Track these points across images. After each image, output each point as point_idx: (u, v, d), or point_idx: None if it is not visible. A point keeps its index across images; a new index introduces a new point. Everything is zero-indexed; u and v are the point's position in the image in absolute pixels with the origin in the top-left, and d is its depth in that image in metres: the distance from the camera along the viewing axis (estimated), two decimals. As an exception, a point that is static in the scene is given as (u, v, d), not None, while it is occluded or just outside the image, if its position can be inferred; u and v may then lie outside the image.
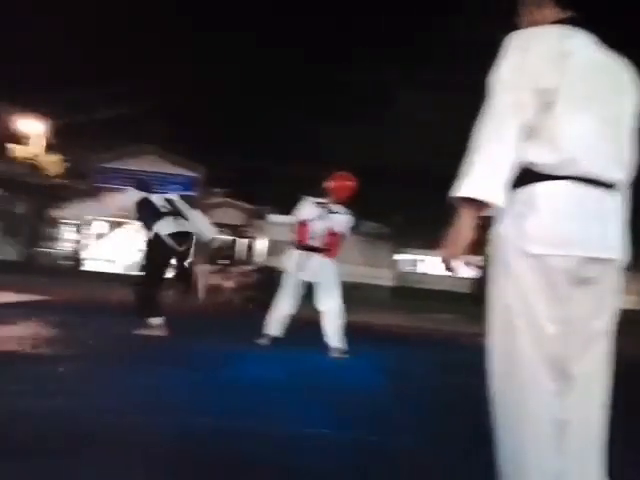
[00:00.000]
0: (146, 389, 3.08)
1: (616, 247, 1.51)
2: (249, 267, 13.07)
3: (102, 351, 4.19)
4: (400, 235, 21.68)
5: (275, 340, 4.99)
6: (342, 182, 5.02)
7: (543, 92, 1.44)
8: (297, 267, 4.90)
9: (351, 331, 5.00)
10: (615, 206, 1.51)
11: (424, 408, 3.26)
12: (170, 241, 5.06)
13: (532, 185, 1.49)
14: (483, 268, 17.92)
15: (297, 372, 4.06)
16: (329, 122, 20.59)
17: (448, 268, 1.53)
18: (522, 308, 1.48)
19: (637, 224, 1.94)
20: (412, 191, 17.05)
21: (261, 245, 22.98)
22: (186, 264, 5.72)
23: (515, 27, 1.61)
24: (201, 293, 10.56)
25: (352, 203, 5.14)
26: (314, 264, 4.90)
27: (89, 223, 20.75)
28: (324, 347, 4.79)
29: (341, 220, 5.02)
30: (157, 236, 5.09)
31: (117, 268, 19.71)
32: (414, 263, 24.53)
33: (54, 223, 23.19)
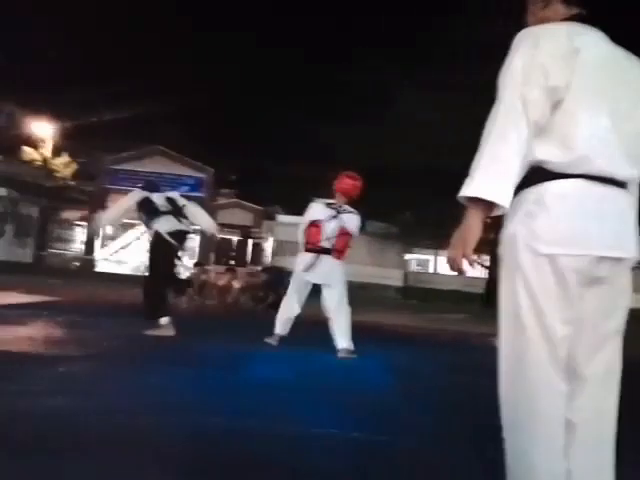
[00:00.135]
0: (157, 389, 3.10)
1: (628, 246, 1.49)
2: (257, 267, 13.09)
3: (113, 352, 4.22)
4: (409, 235, 21.64)
5: (284, 340, 5.00)
6: (349, 181, 5.02)
7: (553, 90, 1.43)
8: (308, 269, 4.89)
9: (360, 331, 5.00)
10: (627, 204, 1.50)
11: (432, 408, 3.26)
12: (170, 239, 5.12)
13: (543, 184, 1.47)
14: (491, 268, 17.92)
15: (306, 372, 4.07)
16: (332, 122, 20.61)
17: (455, 268, 1.52)
18: (532, 308, 1.46)
19: None
20: (420, 190, 17.03)
21: (268, 246, 23.02)
22: (179, 263, 5.78)
23: (515, 26, 1.60)
24: (209, 294, 10.60)
25: (360, 203, 5.15)
26: (326, 266, 4.89)
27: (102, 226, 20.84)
28: (332, 347, 4.79)
29: (352, 220, 5.02)
30: (158, 234, 5.16)
31: (128, 269, 19.82)
32: (423, 263, 24.47)
33: (64, 224, 23.37)
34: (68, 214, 23.41)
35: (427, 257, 24.13)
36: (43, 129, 25.98)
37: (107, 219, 5.85)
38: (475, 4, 14.84)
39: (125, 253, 22.49)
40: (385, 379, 4.15)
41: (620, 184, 1.48)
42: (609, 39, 1.56)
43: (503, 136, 1.45)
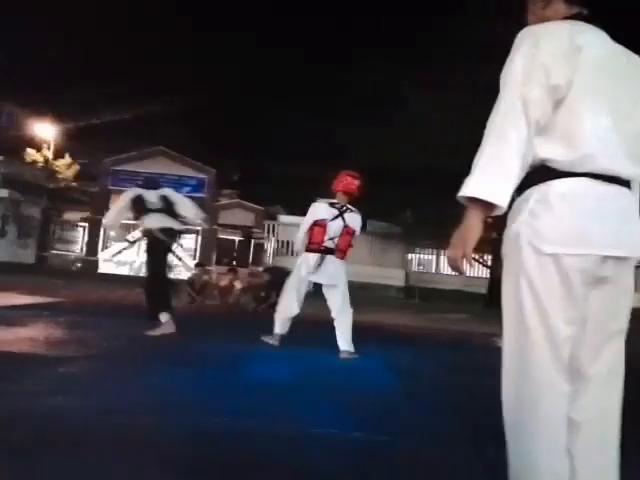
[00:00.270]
0: (158, 389, 3.11)
1: (632, 245, 1.48)
2: (259, 268, 13.09)
3: (114, 352, 4.22)
4: (411, 235, 21.63)
5: (285, 340, 5.00)
6: (351, 180, 5.02)
7: (554, 89, 1.43)
8: (313, 270, 4.88)
9: (361, 331, 5.00)
10: (631, 202, 1.49)
11: (433, 408, 3.25)
12: (161, 235, 5.13)
13: (546, 183, 1.47)
14: (493, 268, 17.90)
15: (307, 372, 4.07)
16: (333, 122, 20.64)
17: (455, 267, 1.52)
18: (536, 309, 1.46)
19: None
20: (421, 190, 17.03)
21: (270, 246, 23.01)
22: (177, 263, 5.79)
23: (516, 26, 1.60)
24: (211, 294, 10.60)
25: (361, 203, 5.15)
26: (330, 267, 4.87)
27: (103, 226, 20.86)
28: (333, 347, 4.79)
29: (355, 219, 5.02)
30: (148, 232, 5.19)
31: (130, 270, 19.83)
32: (425, 262, 24.44)
33: (66, 225, 23.41)
34: (70, 215, 23.46)
35: (429, 257, 24.10)
36: (45, 130, 26.05)
37: (107, 223, 5.88)
38: (475, 4, 14.83)
39: (127, 254, 22.51)
40: (386, 379, 4.15)
41: (624, 183, 1.47)
42: (610, 38, 1.56)
43: (502, 136, 1.45)
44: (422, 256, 24.20)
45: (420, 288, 20.99)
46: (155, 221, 5.19)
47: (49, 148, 26.13)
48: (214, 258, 22.05)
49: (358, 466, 2.19)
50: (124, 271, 19.79)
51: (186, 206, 5.51)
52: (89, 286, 12.05)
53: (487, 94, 1.93)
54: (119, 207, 5.47)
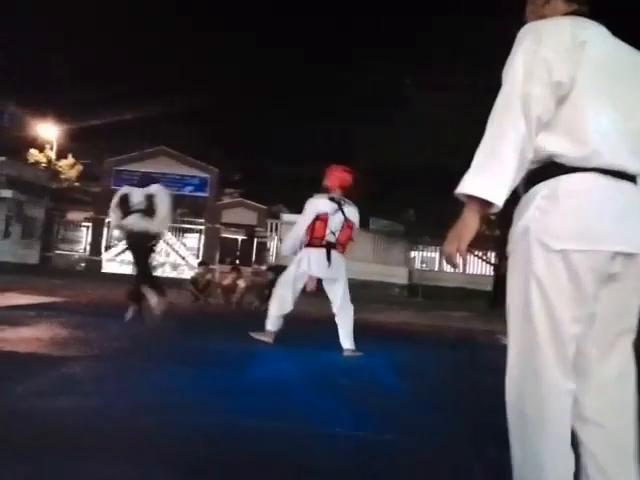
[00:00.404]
0: (159, 389, 3.11)
1: None
2: (262, 266, 13.08)
3: (115, 352, 4.22)
4: (414, 233, 21.62)
5: (284, 340, 4.98)
6: (344, 175, 5.01)
7: (557, 85, 1.42)
8: (315, 265, 4.85)
9: (364, 329, 4.98)
10: (638, 198, 1.48)
11: (436, 407, 3.24)
12: (137, 236, 5.16)
13: (554, 179, 1.45)
14: (497, 266, 17.86)
15: (310, 371, 4.06)
16: (333, 122, 20.63)
17: (450, 262, 1.51)
18: (543, 307, 1.44)
19: None
20: (421, 190, 17.01)
21: (273, 245, 23.01)
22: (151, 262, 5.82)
23: (516, 26, 1.58)
24: (214, 293, 10.61)
25: (363, 201, 5.14)
26: (333, 261, 4.85)
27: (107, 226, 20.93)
28: (335, 345, 4.78)
29: (353, 212, 5.02)
30: (130, 231, 5.25)
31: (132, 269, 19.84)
32: (428, 260, 24.40)
33: (70, 225, 23.46)
34: (73, 215, 23.53)
35: (432, 254, 24.07)
36: (47, 131, 26.11)
37: (113, 223, 5.92)
38: (475, 4, 14.80)
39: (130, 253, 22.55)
40: (389, 377, 4.14)
41: (631, 178, 1.46)
42: (613, 34, 1.55)
43: (501, 133, 1.44)
44: (425, 254, 24.17)
45: (423, 286, 20.97)
46: (133, 221, 5.20)
47: (52, 149, 26.19)
48: (217, 257, 22.07)
49: (359, 465, 2.18)
50: (128, 270, 19.80)
51: (159, 214, 5.40)
52: (93, 286, 12.07)
53: (487, 94, 1.93)
54: (112, 207, 5.49)
